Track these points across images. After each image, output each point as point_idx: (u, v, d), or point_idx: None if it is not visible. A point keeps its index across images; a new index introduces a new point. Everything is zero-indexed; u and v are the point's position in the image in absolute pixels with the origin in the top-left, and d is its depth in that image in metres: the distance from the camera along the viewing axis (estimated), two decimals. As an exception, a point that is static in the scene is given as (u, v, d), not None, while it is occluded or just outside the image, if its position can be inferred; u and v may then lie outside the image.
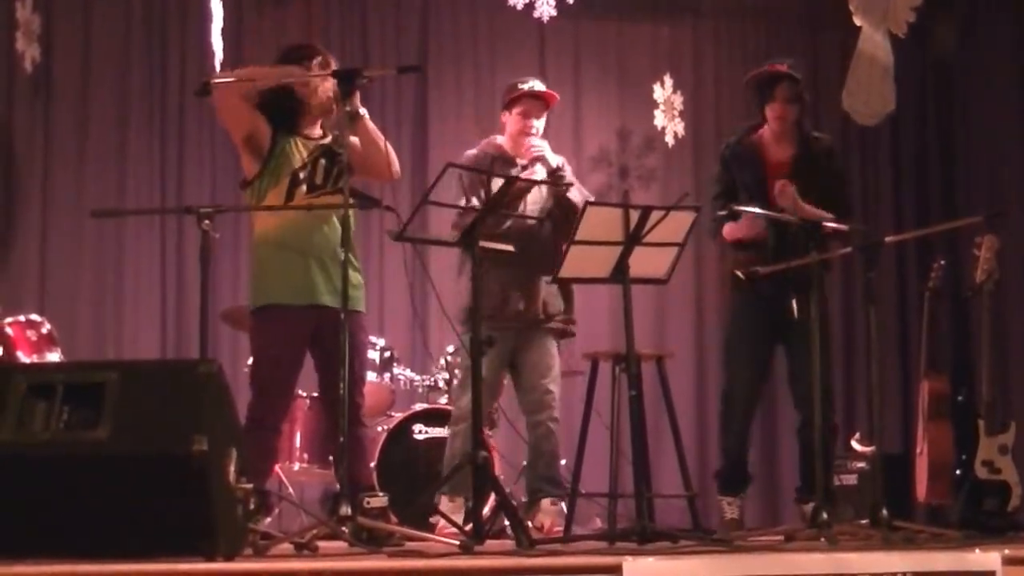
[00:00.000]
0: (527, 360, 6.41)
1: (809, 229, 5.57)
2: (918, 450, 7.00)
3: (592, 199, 6.20)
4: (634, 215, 5.21)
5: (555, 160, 6.37)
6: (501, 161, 6.37)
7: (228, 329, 8.18)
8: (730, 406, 6.46)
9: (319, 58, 5.54)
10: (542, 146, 6.35)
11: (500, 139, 6.53)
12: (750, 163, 6.48)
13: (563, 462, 7.84)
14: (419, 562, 3.98)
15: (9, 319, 6.63)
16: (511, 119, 6.47)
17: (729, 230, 6.40)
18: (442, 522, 6.09)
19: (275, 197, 5.40)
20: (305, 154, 5.47)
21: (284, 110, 5.52)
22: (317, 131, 5.61)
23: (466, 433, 6.23)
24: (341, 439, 4.76)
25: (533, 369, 6.41)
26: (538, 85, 6.51)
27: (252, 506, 4.27)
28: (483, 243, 5.21)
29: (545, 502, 6.39)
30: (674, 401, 6.80)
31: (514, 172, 6.18)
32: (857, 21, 8.84)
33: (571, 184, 6.39)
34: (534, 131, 6.42)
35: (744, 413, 6.47)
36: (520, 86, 6.48)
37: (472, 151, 6.53)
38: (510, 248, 6.12)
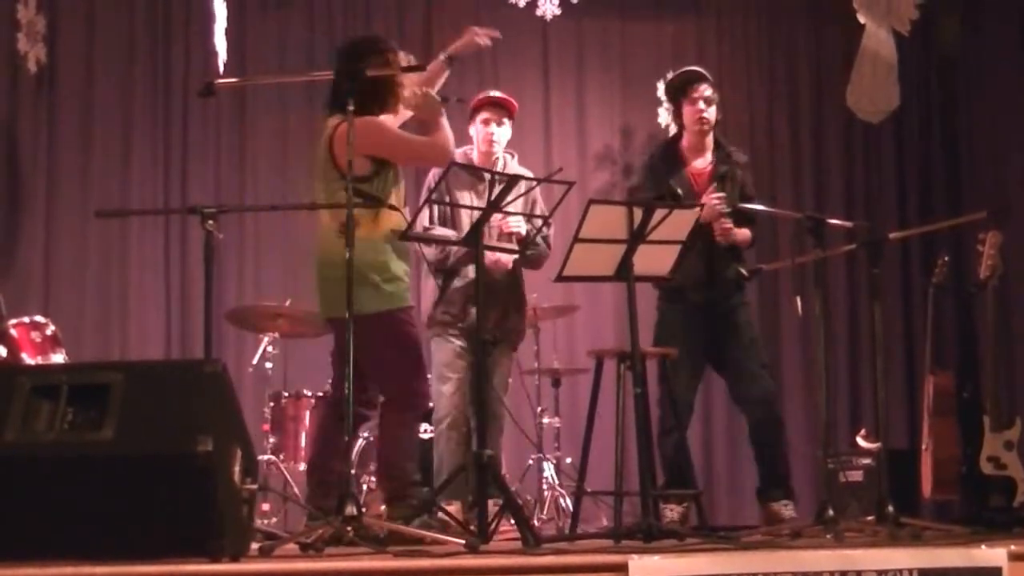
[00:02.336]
0: (491, 371, 6.36)
1: (812, 225, 5.57)
2: (923, 446, 7.00)
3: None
4: (638, 213, 5.21)
5: (523, 228, 6.35)
6: (468, 171, 6.34)
7: (233, 329, 8.19)
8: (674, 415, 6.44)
9: (390, 52, 5.56)
10: (519, 224, 6.30)
11: (471, 150, 6.53)
12: (673, 168, 6.57)
13: (568, 460, 7.87)
14: (425, 562, 3.97)
15: (14, 320, 6.63)
16: (476, 128, 6.50)
17: None
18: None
19: (398, 193, 5.44)
20: None
21: (380, 101, 5.51)
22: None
23: (448, 434, 6.25)
24: (345, 438, 4.78)
25: (494, 378, 6.39)
26: (495, 92, 6.55)
27: None
28: (487, 243, 5.21)
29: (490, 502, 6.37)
30: (679, 399, 6.81)
31: (481, 187, 6.13)
32: (861, 19, 8.85)
33: (534, 247, 6.34)
34: (495, 138, 6.43)
35: (686, 421, 6.48)
36: (480, 95, 6.52)
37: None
38: (514, 247, 6.13)
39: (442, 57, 5.79)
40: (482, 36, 5.75)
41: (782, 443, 6.56)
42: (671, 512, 6.34)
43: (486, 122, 6.45)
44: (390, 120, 5.54)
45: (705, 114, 6.54)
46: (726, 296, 6.50)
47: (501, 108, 6.49)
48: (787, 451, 6.61)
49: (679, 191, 6.43)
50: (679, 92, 6.64)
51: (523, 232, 6.31)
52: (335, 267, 5.10)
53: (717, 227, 6.36)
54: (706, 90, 6.56)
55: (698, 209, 5.54)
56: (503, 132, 6.48)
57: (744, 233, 6.48)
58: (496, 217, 5.79)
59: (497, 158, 6.47)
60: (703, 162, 6.60)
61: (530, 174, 6.39)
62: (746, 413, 6.60)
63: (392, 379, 5.49)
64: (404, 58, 5.59)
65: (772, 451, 6.52)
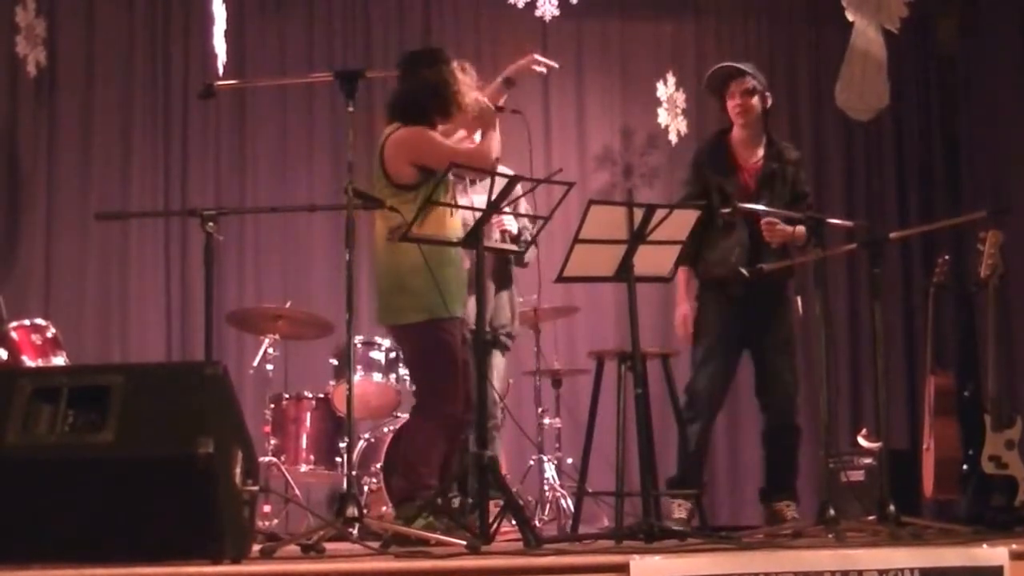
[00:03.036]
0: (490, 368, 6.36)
1: (812, 225, 5.58)
2: (925, 446, 7.00)
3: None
4: (638, 213, 5.20)
5: (515, 226, 6.34)
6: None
7: (233, 331, 8.19)
8: (692, 407, 6.42)
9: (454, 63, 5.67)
10: (510, 222, 6.30)
11: None
12: (722, 165, 6.51)
13: (569, 461, 7.86)
14: (426, 563, 3.97)
15: (14, 323, 6.63)
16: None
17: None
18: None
19: (443, 209, 5.44)
20: None
21: (441, 109, 5.60)
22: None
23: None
24: (347, 440, 4.78)
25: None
26: None
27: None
28: (487, 244, 5.21)
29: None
30: (680, 399, 6.80)
31: (479, 185, 6.17)
32: (850, 16, 8.84)
33: (525, 247, 6.31)
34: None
35: (709, 415, 6.47)
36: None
37: None
38: (515, 248, 6.13)
39: (500, 80, 5.83)
40: (541, 63, 5.77)
41: (795, 449, 6.51)
42: (679, 509, 6.31)
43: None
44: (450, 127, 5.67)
45: (743, 106, 6.46)
46: (767, 291, 6.39)
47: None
48: (798, 458, 6.56)
49: (728, 189, 6.36)
50: (719, 92, 6.58)
51: (514, 231, 6.29)
52: (382, 276, 5.44)
53: (766, 227, 6.26)
54: (743, 83, 6.48)
55: (700, 209, 5.52)
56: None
57: (800, 230, 6.31)
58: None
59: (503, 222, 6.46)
60: (754, 157, 6.52)
61: (509, 171, 6.39)
62: (765, 413, 6.54)
63: (419, 388, 5.67)
64: (459, 66, 5.68)
65: (784, 457, 6.48)
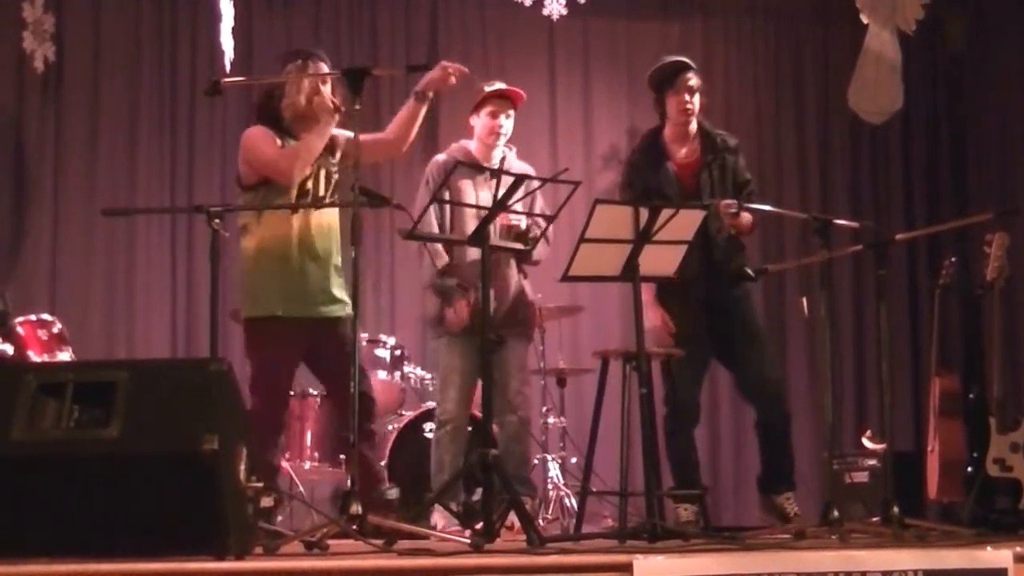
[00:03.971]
0: (501, 361, 6.34)
1: (818, 225, 5.57)
2: (929, 448, 7.00)
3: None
4: (644, 213, 5.20)
5: (524, 221, 6.31)
6: (475, 168, 6.35)
7: (238, 328, 8.17)
8: (675, 418, 6.41)
9: (314, 61, 5.67)
10: (519, 220, 6.28)
11: (469, 143, 6.54)
12: (657, 164, 6.47)
13: (573, 460, 7.86)
14: (429, 560, 3.97)
15: (20, 319, 6.64)
16: (480, 121, 6.49)
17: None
18: (440, 524, 6.10)
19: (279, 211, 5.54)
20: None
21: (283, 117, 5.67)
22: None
23: (452, 436, 6.25)
24: (352, 436, 4.78)
25: (506, 370, 6.38)
26: (503, 85, 6.54)
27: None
28: (493, 242, 5.21)
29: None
30: (684, 399, 6.80)
31: (480, 177, 6.22)
32: (864, 19, 8.83)
33: (533, 244, 6.29)
34: (502, 130, 6.43)
35: (692, 422, 6.47)
36: (486, 88, 6.50)
37: (441, 156, 6.55)
38: (521, 246, 6.13)
39: (412, 95, 5.69)
40: (451, 71, 5.63)
41: (788, 436, 6.49)
42: (684, 512, 6.31)
43: (493, 114, 6.44)
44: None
45: (690, 104, 6.44)
46: (727, 290, 6.40)
47: (507, 100, 6.49)
48: (792, 444, 6.56)
49: (667, 191, 6.32)
50: (665, 83, 6.52)
51: (522, 226, 6.28)
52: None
53: (727, 219, 6.21)
54: (692, 79, 6.47)
55: (705, 209, 5.52)
56: (509, 124, 6.47)
57: (746, 217, 6.32)
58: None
59: (497, 152, 6.47)
60: (687, 153, 6.49)
61: (530, 169, 6.40)
62: (754, 406, 6.55)
63: None
64: (302, 65, 5.70)
65: (778, 444, 6.47)
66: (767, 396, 6.46)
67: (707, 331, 6.44)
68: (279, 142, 5.61)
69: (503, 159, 6.49)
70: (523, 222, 6.28)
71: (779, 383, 6.52)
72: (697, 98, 6.48)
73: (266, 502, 5.12)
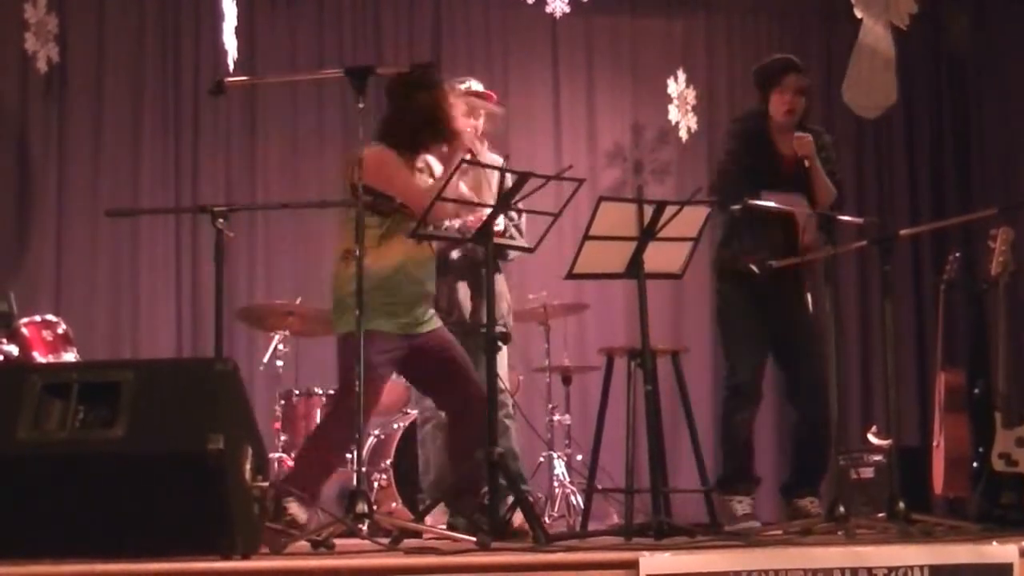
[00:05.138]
0: (477, 362, 6.32)
1: (822, 221, 5.56)
2: (935, 443, 6.99)
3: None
4: (648, 210, 5.19)
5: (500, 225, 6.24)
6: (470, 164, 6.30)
7: (244, 327, 8.20)
8: (736, 398, 6.35)
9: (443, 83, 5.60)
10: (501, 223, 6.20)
11: None
12: (763, 149, 6.37)
13: (579, 457, 7.86)
14: (436, 559, 3.97)
15: (25, 319, 6.65)
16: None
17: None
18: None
19: (403, 238, 5.34)
20: None
21: (425, 141, 5.53)
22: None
23: (433, 434, 6.21)
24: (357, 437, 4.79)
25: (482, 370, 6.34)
26: (475, 85, 6.45)
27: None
28: (497, 240, 5.21)
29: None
30: (690, 396, 6.79)
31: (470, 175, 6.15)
32: (858, 13, 8.83)
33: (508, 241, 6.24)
34: (477, 131, 6.37)
35: (753, 406, 6.40)
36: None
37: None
38: (526, 245, 6.12)
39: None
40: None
41: (827, 443, 6.21)
42: (739, 505, 6.24)
43: (467, 114, 6.35)
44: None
45: (794, 105, 6.34)
46: (787, 285, 6.26)
47: (482, 100, 6.42)
48: (828, 452, 6.36)
49: (767, 175, 6.19)
50: (770, 81, 6.42)
51: (500, 227, 6.17)
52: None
53: (798, 142, 6.11)
54: (797, 80, 6.37)
55: (710, 205, 5.50)
56: (481, 123, 6.39)
57: (826, 179, 6.22)
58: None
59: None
60: (788, 151, 6.31)
61: (500, 160, 6.37)
62: (796, 408, 6.42)
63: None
64: (449, 87, 5.64)
65: (814, 451, 6.31)
66: (809, 398, 6.31)
67: (767, 325, 6.34)
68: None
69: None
70: (500, 223, 6.17)
71: (823, 386, 6.33)
72: (803, 100, 6.37)
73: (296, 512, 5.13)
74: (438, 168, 5.68)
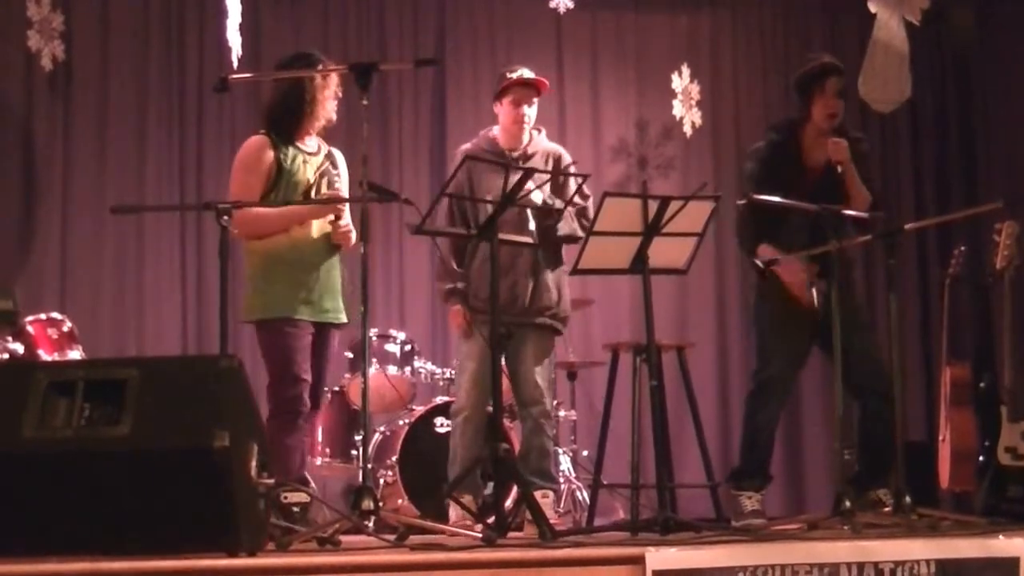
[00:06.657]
0: (519, 353, 6.31)
1: (831, 217, 5.54)
2: (941, 437, 6.99)
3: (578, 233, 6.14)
4: (653, 205, 5.19)
5: (539, 197, 6.19)
6: (492, 154, 6.30)
7: (248, 325, 8.18)
8: (764, 393, 6.28)
9: (321, 66, 5.60)
10: (535, 195, 6.14)
11: (495, 130, 6.48)
12: (786, 165, 6.28)
13: (585, 453, 7.86)
14: (442, 555, 3.98)
15: (30, 317, 6.64)
16: (503, 109, 6.41)
17: (764, 252, 6.21)
18: (453, 516, 6.09)
19: None
20: (310, 173, 5.58)
21: (288, 121, 5.64)
22: (312, 142, 5.69)
23: (463, 427, 6.22)
24: (363, 433, 4.79)
25: (524, 362, 6.33)
26: (527, 72, 6.43)
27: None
28: (502, 236, 5.21)
29: (536, 494, 6.33)
30: (695, 391, 6.79)
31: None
32: (872, 8, 8.83)
33: (558, 217, 6.19)
34: (526, 119, 6.36)
35: (780, 402, 6.34)
36: (509, 75, 6.41)
37: (467, 145, 6.48)
38: (529, 240, 6.11)
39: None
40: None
41: (893, 432, 5.82)
42: (749, 501, 6.18)
43: (516, 102, 6.35)
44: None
45: (837, 110, 6.25)
46: (833, 274, 5.90)
47: (531, 88, 6.42)
48: (895, 437, 5.90)
49: (795, 191, 5.99)
50: (813, 83, 6.31)
51: (538, 202, 6.12)
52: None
53: (832, 147, 6.05)
54: (838, 83, 6.28)
55: (714, 200, 5.47)
56: (532, 111, 6.41)
57: (859, 184, 6.13)
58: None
59: (524, 137, 6.40)
60: (820, 158, 6.24)
61: (560, 148, 6.37)
62: (859, 400, 6.24)
63: None
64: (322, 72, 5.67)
65: (882, 441, 6.10)
66: (873, 390, 6.14)
67: (808, 318, 6.17)
68: (271, 153, 5.58)
69: (529, 142, 6.40)
70: (539, 197, 6.09)
71: (886, 375, 6.11)
72: (842, 104, 6.29)
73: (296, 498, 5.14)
74: (341, 161, 5.89)
